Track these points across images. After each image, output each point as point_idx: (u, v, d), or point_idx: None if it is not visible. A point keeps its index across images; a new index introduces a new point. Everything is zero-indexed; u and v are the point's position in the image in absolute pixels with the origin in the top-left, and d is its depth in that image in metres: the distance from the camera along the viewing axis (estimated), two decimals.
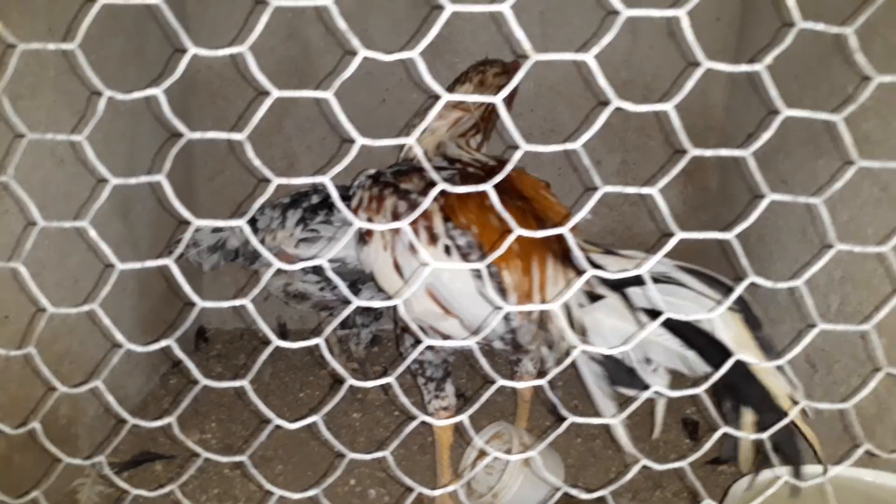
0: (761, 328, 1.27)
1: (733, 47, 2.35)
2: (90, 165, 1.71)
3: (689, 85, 0.63)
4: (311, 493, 1.05)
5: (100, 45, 1.88)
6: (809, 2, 1.69)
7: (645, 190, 0.70)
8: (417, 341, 1.70)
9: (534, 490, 1.68)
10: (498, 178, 0.81)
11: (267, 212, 2.10)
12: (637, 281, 1.36)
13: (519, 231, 0.80)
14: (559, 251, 1.52)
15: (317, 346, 0.85)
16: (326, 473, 1.89)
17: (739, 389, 1.25)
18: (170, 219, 2.23)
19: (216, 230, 2.12)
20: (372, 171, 1.76)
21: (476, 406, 0.94)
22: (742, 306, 1.29)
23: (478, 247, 1.53)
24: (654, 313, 1.35)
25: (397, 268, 1.60)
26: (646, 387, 1.38)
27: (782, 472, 1.18)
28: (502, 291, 1.51)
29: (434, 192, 0.83)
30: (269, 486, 0.98)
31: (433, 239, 1.55)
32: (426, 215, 1.57)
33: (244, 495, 1.82)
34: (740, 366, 1.23)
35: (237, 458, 1.00)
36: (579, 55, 0.68)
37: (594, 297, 1.43)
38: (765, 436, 1.10)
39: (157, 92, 0.80)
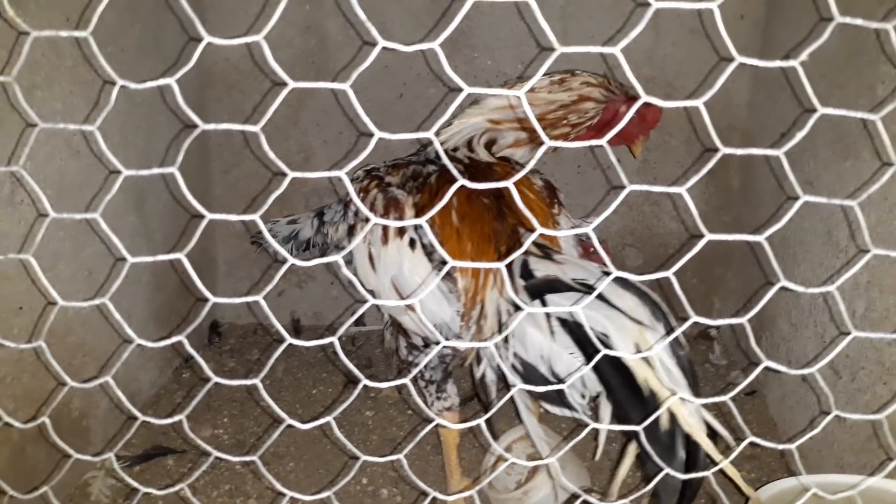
0: (682, 352, 1.21)
1: (758, 46, 2.30)
2: (105, 157, 1.70)
3: (721, 81, 0.60)
4: (323, 495, 1.04)
5: (117, 35, 1.87)
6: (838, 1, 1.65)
7: (673, 189, 0.67)
8: (410, 344, 1.69)
9: (560, 494, 1.65)
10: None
11: (333, 206, 2.15)
12: (558, 291, 1.32)
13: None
14: (504, 254, 1.51)
15: (330, 343, 0.83)
16: (340, 472, 1.88)
17: (630, 417, 1.20)
18: (184, 212, 2.23)
19: (291, 222, 2.16)
20: (371, 165, 1.76)
21: (492, 412, 0.92)
22: (667, 323, 1.23)
23: (439, 245, 1.54)
24: (566, 324, 1.30)
25: (371, 259, 1.62)
26: (570, 407, 1.34)
27: (808, 481, 1.15)
28: (456, 293, 1.53)
29: (450, 191, 0.80)
30: (279, 487, 0.97)
31: (401, 231, 1.57)
32: (398, 207, 1.60)
33: (256, 492, 1.81)
34: (636, 391, 1.18)
35: (247, 459, 0.98)
36: (607, 48, 0.65)
37: (517, 304, 1.41)
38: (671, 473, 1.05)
39: (170, 81, 0.78)
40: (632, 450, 1.26)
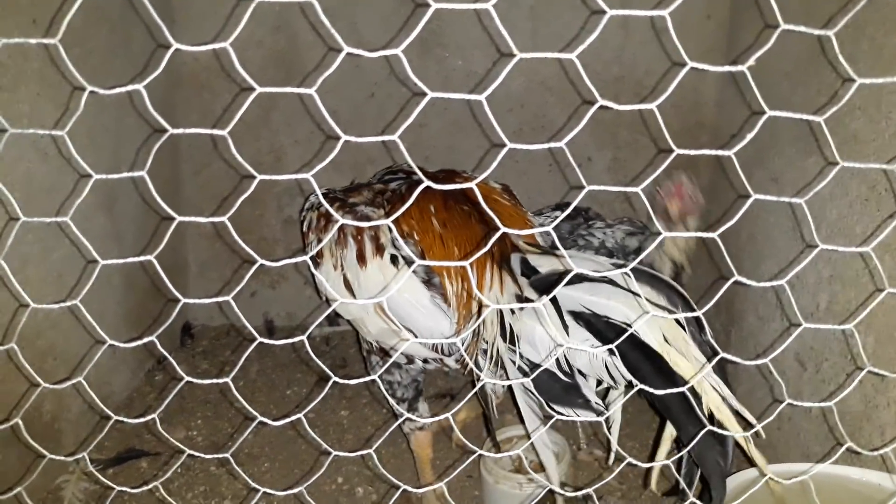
0: (703, 331, 1.17)
1: (724, 45, 2.34)
2: (74, 159, 1.69)
3: (673, 85, 0.62)
4: (295, 490, 1.05)
5: (84, 37, 1.86)
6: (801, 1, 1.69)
7: (630, 189, 0.69)
8: (385, 361, 1.67)
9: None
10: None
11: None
12: (568, 283, 1.24)
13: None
14: (497, 254, 1.47)
15: (302, 343, 0.84)
16: (312, 471, 1.89)
17: (661, 399, 1.15)
18: (155, 213, 2.22)
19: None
20: (323, 190, 1.70)
21: (458, 407, 0.93)
22: (686, 307, 1.19)
23: (419, 255, 1.50)
24: (581, 316, 1.25)
25: (348, 285, 1.54)
26: (582, 405, 1.29)
27: (766, 470, 1.18)
28: (446, 301, 1.48)
29: (417, 190, 0.82)
30: (253, 484, 0.98)
31: (380, 249, 1.51)
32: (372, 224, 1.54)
33: (230, 492, 1.81)
34: (664, 373, 1.13)
35: (221, 456, 0.99)
36: (564, 55, 0.67)
37: (524, 301, 1.35)
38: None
39: (139, 87, 0.79)
40: (668, 435, 1.23)
